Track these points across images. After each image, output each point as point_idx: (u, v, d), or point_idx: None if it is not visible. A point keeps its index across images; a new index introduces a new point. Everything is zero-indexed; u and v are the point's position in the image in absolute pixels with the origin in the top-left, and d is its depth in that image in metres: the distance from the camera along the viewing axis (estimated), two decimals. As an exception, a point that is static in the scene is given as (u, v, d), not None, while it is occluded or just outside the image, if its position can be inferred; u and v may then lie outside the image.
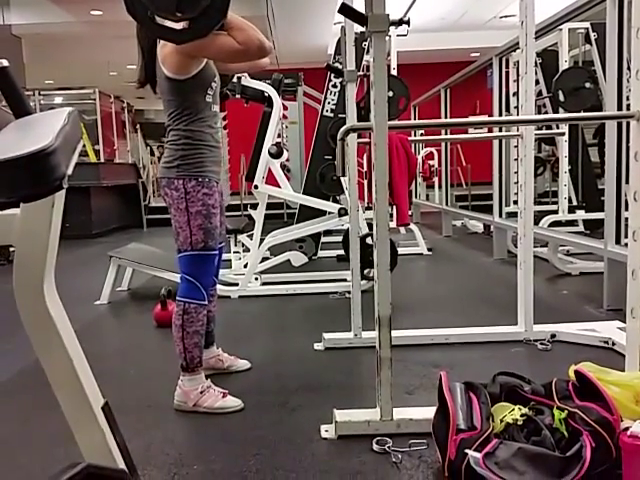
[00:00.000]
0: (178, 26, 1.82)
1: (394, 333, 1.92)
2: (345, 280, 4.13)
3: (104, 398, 1.01)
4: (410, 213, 5.18)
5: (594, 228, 5.36)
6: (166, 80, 2.13)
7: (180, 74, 2.09)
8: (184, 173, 2.15)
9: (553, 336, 2.85)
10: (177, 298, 2.24)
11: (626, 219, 3.04)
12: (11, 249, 5.55)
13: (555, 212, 5.74)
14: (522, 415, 1.63)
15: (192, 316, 2.21)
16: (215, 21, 1.79)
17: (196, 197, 2.15)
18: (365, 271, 3.71)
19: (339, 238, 5.20)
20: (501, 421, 1.64)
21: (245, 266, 4.50)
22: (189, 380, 2.22)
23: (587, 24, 5.47)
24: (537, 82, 5.76)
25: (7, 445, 2.04)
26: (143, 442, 1.96)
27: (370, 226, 3.79)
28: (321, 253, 5.66)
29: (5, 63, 0.93)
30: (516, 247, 3.26)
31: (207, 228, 2.17)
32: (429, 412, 1.82)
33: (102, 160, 9.96)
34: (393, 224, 5.02)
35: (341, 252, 4.94)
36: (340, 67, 3.57)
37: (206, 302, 2.25)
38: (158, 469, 1.79)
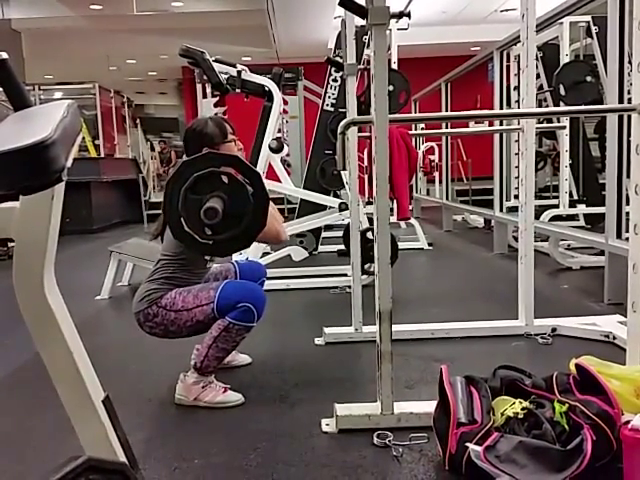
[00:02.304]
0: (201, 240, 1.77)
1: (395, 327, 1.91)
2: (346, 275, 4.12)
3: (105, 391, 1.01)
4: (410, 208, 5.18)
5: (595, 222, 5.35)
6: None
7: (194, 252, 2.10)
8: (152, 299, 2.20)
9: (554, 330, 2.85)
10: (226, 317, 2.13)
11: (627, 213, 3.03)
12: (11, 244, 5.55)
13: (556, 206, 5.73)
14: (523, 409, 1.63)
15: (231, 336, 2.14)
16: (238, 249, 1.79)
17: (171, 298, 2.17)
18: (366, 266, 3.71)
19: (340, 233, 5.20)
20: (502, 415, 1.64)
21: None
22: (195, 378, 2.21)
23: (588, 17, 5.45)
24: (538, 76, 5.74)
25: (8, 439, 2.04)
26: (144, 436, 1.96)
27: (371, 220, 3.78)
28: (322, 248, 5.66)
29: (4, 56, 0.93)
30: (517, 241, 3.26)
31: (199, 289, 2.17)
32: (430, 406, 1.82)
33: (102, 155, 9.95)
34: (393, 218, 5.02)
35: (342, 247, 4.94)
36: (340, 61, 3.56)
37: (254, 324, 2.16)
38: (159, 463, 1.79)
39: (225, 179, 1.68)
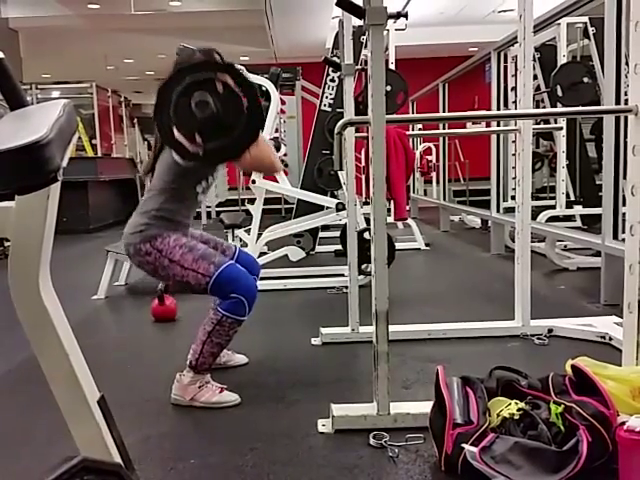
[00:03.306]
0: (191, 148, 1.76)
1: (391, 328, 1.91)
2: (343, 275, 4.12)
3: (100, 392, 1.01)
4: (408, 208, 5.18)
5: (592, 223, 5.35)
6: (170, 157, 2.10)
7: (185, 163, 2.05)
8: (145, 236, 2.14)
9: (550, 331, 2.85)
10: (217, 308, 2.14)
11: (623, 214, 3.03)
12: (7, 243, 5.54)
13: (553, 207, 5.74)
14: (519, 409, 1.64)
15: (224, 329, 2.15)
16: (227, 158, 1.77)
17: (170, 247, 2.13)
18: (363, 266, 3.71)
19: (337, 233, 5.20)
20: (498, 415, 1.64)
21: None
22: (191, 377, 2.20)
23: (585, 19, 5.46)
24: (535, 77, 5.74)
25: (4, 439, 2.03)
26: (140, 436, 1.96)
27: (368, 221, 3.78)
28: (319, 248, 5.66)
29: (1, 55, 0.93)
30: (513, 242, 3.26)
31: (201, 255, 2.14)
32: (426, 406, 1.82)
33: (99, 154, 9.93)
34: (391, 219, 5.01)
35: (339, 247, 4.94)
36: (338, 61, 3.56)
37: (245, 318, 2.17)
38: (155, 463, 1.79)
39: (220, 88, 1.66)
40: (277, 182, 4.37)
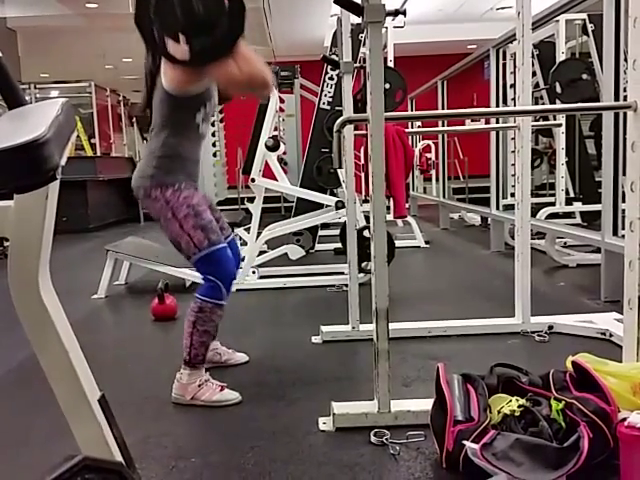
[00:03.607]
0: (178, 50, 1.76)
1: (391, 325, 1.91)
2: (342, 273, 4.12)
3: (101, 390, 1.01)
4: (407, 206, 5.18)
5: (591, 220, 5.36)
6: (162, 90, 2.09)
7: (178, 91, 2.05)
8: (157, 182, 2.13)
9: (550, 328, 2.85)
10: (196, 295, 2.19)
11: (623, 211, 3.03)
12: (6, 243, 5.54)
13: (552, 204, 5.74)
14: (519, 406, 1.63)
15: (206, 315, 2.18)
16: (217, 57, 1.76)
17: (178, 202, 2.12)
18: (363, 264, 3.71)
19: (336, 231, 5.20)
20: (498, 412, 1.64)
21: (242, 259, 4.49)
22: (189, 374, 2.21)
23: (584, 15, 5.45)
24: (534, 74, 5.75)
25: (5, 438, 2.03)
26: (141, 435, 1.96)
27: (367, 219, 3.78)
28: (318, 246, 5.65)
29: (-2, 54, 0.92)
30: (513, 239, 3.26)
31: (202, 225, 2.14)
32: (427, 404, 1.82)
33: (98, 154, 9.93)
34: (390, 217, 5.01)
35: (338, 245, 4.94)
36: (337, 59, 3.56)
37: (224, 302, 2.20)
38: (156, 462, 1.79)
39: None
40: (276, 180, 4.37)
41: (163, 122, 2.15)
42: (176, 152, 2.16)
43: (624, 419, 1.50)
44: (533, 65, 5.51)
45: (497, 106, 5.27)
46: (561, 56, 5.47)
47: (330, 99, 5.37)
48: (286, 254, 4.48)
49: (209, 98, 2.19)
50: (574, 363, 1.73)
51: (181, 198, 2.13)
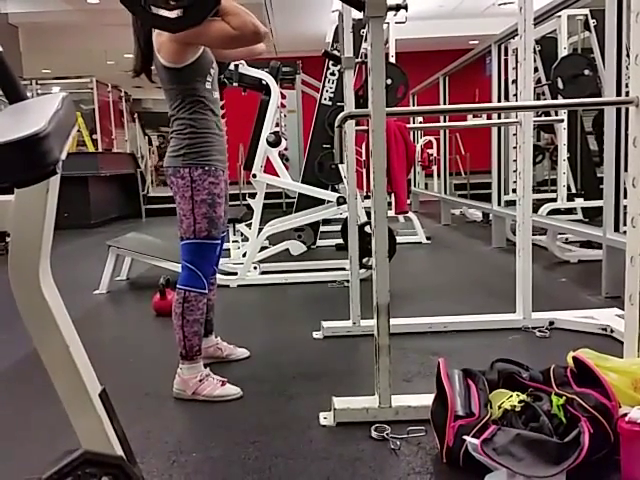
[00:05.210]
0: (172, 14, 1.78)
1: (392, 321, 1.92)
2: (344, 269, 4.12)
3: (102, 385, 1.01)
4: (409, 201, 5.17)
5: (593, 216, 5.35)
6: (164, 69, 2.12)
7: (177, 62, 2.08)
8: (190, 162, 2.14)
9: (551, 323, 2.85)
10: (177, 286, 2.23)
11: (625, 207, 3.03)
12: (8, 239, 5.54)
13: (554, 200, 5.73)
14: (520, 401, 1.64)
15: (192, 304, 2.21)
16: (209, 8, 1.77)
17: (202, 185, 2.14)
18: (364, 260, 3.71)
19: (338, 227, 5.20)
20: (499, 407, 1.64)
21: (244, 255, 4.49)
22: (188, 368, 2.22)
23: (586, 11, 5.43)
24: (536, 70, 5.73)
25: (6, 433, 2.04)
26: (142, 429, 1.97)
27: (369, 214, 3.78)
28: (320, 242, 5.66)
29: (-1, 48, 0.92)
30: (515, 235, 3.26)
31: (211, 217, 2.16)
32: (427, 399, 1.82)
33: (100, 150, 9.93)
34: (391, 212, 5.01)
35: (340, 241, 4.94)
36: (338, 54, 3.55)
37: (206, 291, 2.25)
38: (157, 456, 1.80)
39: None
40: (278, 176, 4.36)
41: (180, 99, 2.16)
42: (202, 126, 2.17)
43: (625, 415, 1.50)
44: (535, 61, 5.49)
45: (499, 102, 5.26)
46: (563, 52, 5.46)
47: (332, 95, 5.36)
48: (287, 250, 4.48)
49: (210, 62, 2.20)
50: (575, 359, 1.73)
51: (206, 182, 2.15)
